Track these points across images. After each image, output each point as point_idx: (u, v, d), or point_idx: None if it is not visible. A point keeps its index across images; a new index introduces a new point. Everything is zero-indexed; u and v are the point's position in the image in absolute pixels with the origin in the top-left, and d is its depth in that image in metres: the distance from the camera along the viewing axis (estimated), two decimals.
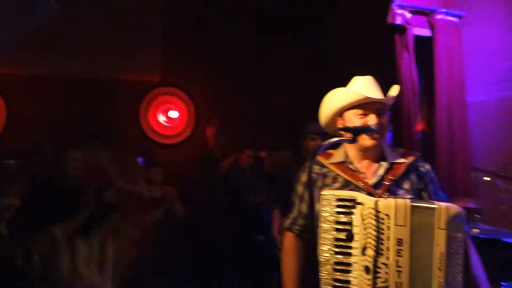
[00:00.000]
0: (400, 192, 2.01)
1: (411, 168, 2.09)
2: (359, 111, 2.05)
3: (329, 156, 2.16)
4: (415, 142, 4.26)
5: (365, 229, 1.76)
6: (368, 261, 1.74)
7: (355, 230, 1.80)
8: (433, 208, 1.75)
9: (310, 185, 1.95)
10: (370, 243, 1.74)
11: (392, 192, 2.00)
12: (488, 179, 4.11)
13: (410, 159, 2.10)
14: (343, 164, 2.11)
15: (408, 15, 4.29)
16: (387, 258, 1.71)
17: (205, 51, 5.40)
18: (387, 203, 1.76)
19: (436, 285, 1.71)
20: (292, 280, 2.17)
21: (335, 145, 2.14)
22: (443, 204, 1.77)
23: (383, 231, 1.74)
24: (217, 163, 4.47)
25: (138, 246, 3.42)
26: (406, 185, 2.05)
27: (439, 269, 1.70)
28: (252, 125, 5.36)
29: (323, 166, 2.14)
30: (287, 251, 2.23)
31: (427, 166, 2.15)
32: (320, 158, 2.15)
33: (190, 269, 4.10)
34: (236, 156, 4.64)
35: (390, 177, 2.04)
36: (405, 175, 2.07)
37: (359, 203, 1.80)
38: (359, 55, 5.01)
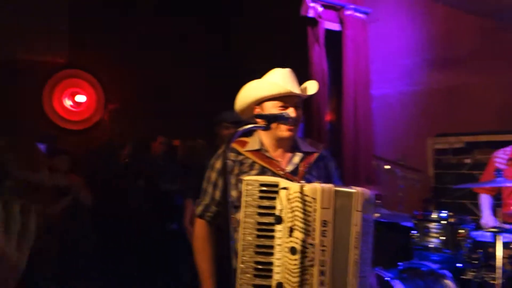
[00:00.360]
0: (313, 179, 2.11)
1: (319, 158, 2.23)
2: (279, 103, 2.11)
3: (244, 144, 2.20)
4: (324, 132, 4.43)
5: (292, 212, 1.82)
6: (294, 243, 1.80)
7: (280, 213, 1.85)
8: (352, 193, 1.87)
9: (225, 172, 1.94)
10: (297, 225, 1.80)
11: (306, 179, 2.09)
12: (388, 167, 4.38)
13: (319, 149, 2.24)
14: (259, 152, 2.16)
15: (320, 8, 4.43)
16: (314, 239, 1.80)
17: (116, 33, 5.14)
18: (313, 188, 1.85)
19: (352, 262, 1.83)
20: (208, 266, 2.18)
21: (248, 133, 2.18)
22: (359, 188, 1.89)
23: (310, 214, 1.82)
24: (117, 151, 4.28)
25: (43, 236, 3.20)
26: (316, 173, 2.18)
27: (356, 247, 1.83)
28: (165, 113, 5.23)
29: (239, 153, 2.18)
30: (200, 238, 2.23)
31: (330, 156, 2.31)
32: (235, 146, 2.18)
33: (98, 258, 3.93)
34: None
35: (305, 165, 2.15)
36: (315, 164, 2.20)
37: (284, 188, 1.86)
38: (273, 45, 5.07)
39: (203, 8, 5.25)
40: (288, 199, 1.84)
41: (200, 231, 2.24)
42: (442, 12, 4.87)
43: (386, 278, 3.14)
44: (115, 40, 5.13)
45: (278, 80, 2.12)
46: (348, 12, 4.61)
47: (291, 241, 1.81)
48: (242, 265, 1.86)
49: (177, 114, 5.27)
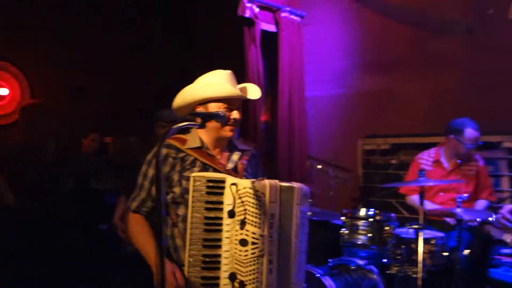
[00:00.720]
0: (249, 176, 2.27)
1: (252, 156, 2.38)
2: (224, 105, 2.20)
3: (183, 141, 2.28)
4: (260, 131, 4.52)
5: (242, 206, 1.97)
6: (245, 235, 1.96)
7: (228, 208, 1.99)
8: (293, 188, 2.05)
9: (158, 169, 1.98)
10: (249, 219, 1.96)
11: (245, 176, 2.24)
12: (320, 167, 4.55)
13: (252, 148, 2.40)
14: (201, 150, 2.25)
15: (257, 9, 4.52)
16: (264, 231, 1.96)
17: (45, 26, 4.92)
18: (262, 183, 1.99)
19: (293, 250, 2.03)
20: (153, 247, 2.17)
21: (185, 130, 2.22)
22: (298, 184, 2.08)
23: (260, 208, 1.97)
24: (41, 148, 4.11)
25: None
26: (250, 170, 2.34)
27: (296, 237, 2.03)
28: (96, 109, 5.08)
29: (180, 150, 2.24)
30: (137, 224, 2.23)
31: (258, 154, 2.47)
32: (175, 143, 2.25)
33: (25, 260, 3.76)
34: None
35: (243, 163, 2.30)
36: (249, 161, 2.35)
37: (234, 184, 1.99)
38: (208, 44, 5.08)
39: (137, 6, 5.16)
40: (238, 194, 1.97)
41: (136, 222, 2.25)
42: (372, 19, 5.15)
43: (316, 275, 3.26)
44: (44, 33, 4.91)
45: (223, 81, 2.21)
46: (284, 14, 4.75)
47: (241, 234, 1.96)
48: (190, 259, 1.95)
49: (109, 111, 5.15)
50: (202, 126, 2.03)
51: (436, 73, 4.73)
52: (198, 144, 2.25)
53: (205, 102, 2.20)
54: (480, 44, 4.54)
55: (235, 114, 2.20)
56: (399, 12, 5.00)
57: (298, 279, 2.03)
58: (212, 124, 2.17)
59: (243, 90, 2.29)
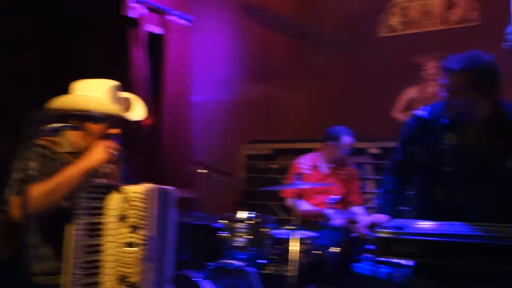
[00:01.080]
0: (121, 181, 2.34)
1: (122, 161, 2.46)
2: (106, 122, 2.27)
3: (56, 144, 2.28)
4: (141, 135, 4.49)
5: (132, 210, 2.07)
6: (133, 238, 2.05)
7: (114, 212, 2.06)
8: (170, 190, 2.25)
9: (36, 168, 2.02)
10: (138, 222, 2.06)
11: (119, 181, 2.32)
12: (205, 171, 4.65)
13: (121, 153, 2.45)
14: (75, 154, 2.27)
15: (143, 10, 4.49)
16: (150, 233, 2.09)
17: None
18: (150, 188, 2.11)
19: (169, 249, 2.23)
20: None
21: (56, 133, 2.25)
22: (170, 188, 2.26)
23: (148, 211, 2.09)
24: None
25: None
26: (122, 174, 2.43)
27: (170, 237, 2.24)
28: None
29: (54, 153, 2.24)
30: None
31: (126, 158, 2.57)
32: (49, 145, 2.24)
33: None
34: None
35: (116, 168, 2.37)
36: (120, 166, 2.43)
37: (119, 189, 2.07)
38: (90, 44, 4.93)
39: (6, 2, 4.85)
40: (126, 199, 2.06)
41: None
42: (256, 29, 5.42)
43: (195, 279, 3.34)
44: None
45: (108, 97, 2.25)
46: (172, 17, 4.78)
47: (130, 237, 2.05)
48: (72, 267, 1.96)
49: None
50: (77, 128, 2.04)
51: (314, 83, 5.11)
52: (72, 149, 2.26)
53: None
54: (353, 59, 5.00)
55: (115, 131, 2.27)
56: (282, 24, 5.32)
57: (170, 274, 2.23)
58: (89, 138, 2.22)
59: (127, 102, 2.35)
